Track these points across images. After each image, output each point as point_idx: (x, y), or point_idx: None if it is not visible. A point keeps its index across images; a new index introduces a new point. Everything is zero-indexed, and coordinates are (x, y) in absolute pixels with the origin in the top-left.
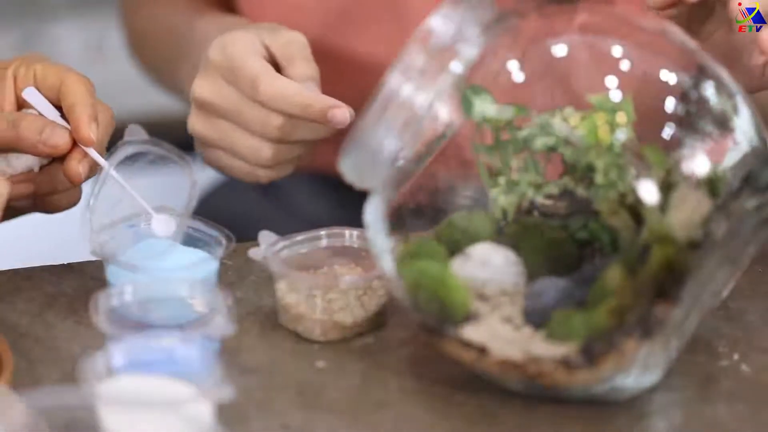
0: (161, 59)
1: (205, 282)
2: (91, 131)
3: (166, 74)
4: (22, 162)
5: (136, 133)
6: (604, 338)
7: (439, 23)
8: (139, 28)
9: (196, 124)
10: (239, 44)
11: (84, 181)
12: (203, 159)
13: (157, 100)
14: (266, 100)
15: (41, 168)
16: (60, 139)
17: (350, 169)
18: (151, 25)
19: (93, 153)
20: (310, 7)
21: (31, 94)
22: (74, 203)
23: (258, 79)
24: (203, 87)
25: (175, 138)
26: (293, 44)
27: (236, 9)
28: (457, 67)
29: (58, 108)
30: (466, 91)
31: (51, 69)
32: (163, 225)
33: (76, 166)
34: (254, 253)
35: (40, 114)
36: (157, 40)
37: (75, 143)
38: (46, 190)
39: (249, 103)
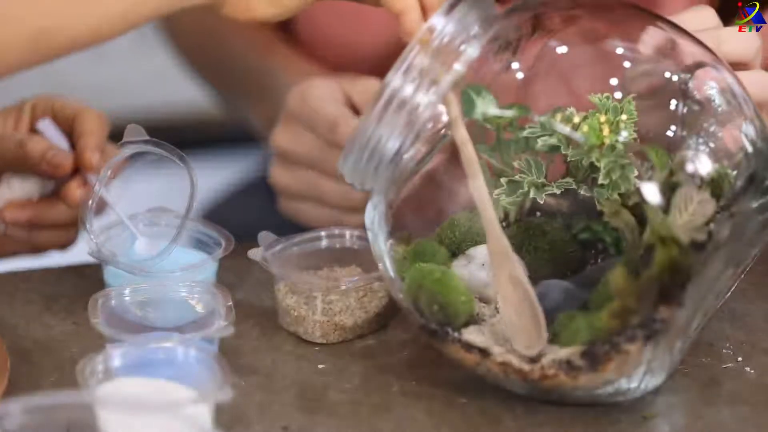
0: (224, 81)
1: (204, 283)
2: (93, 158)
3: (231, 97)
4: (24, 188)
5: (135, 134)
6: (607, 341)
7: (440, 23)
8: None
9: (279, 176)
10: (317, 91)
11: (79, 204)
12: (282, 210)
13: (156, 101)
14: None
15: (40, 199)
16: (63, 160)
17: (351, 169)
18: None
19: (93, 180)
20: (365, 46)
21: (44, 125)
22: (68, 244)
23: (336, 123)
24: (283, 137)
25: (174, 138)
26: (372, 90)
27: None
28: (458, 67)
29: (72, 143)
30: (467, 90)
31: (69, 103)
32: (146, 247)
33: (74, 190)
34: (254, 254)
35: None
36: (218, 61)
37: (78, 170)
38: (43, 222)
39: (329, 148)
